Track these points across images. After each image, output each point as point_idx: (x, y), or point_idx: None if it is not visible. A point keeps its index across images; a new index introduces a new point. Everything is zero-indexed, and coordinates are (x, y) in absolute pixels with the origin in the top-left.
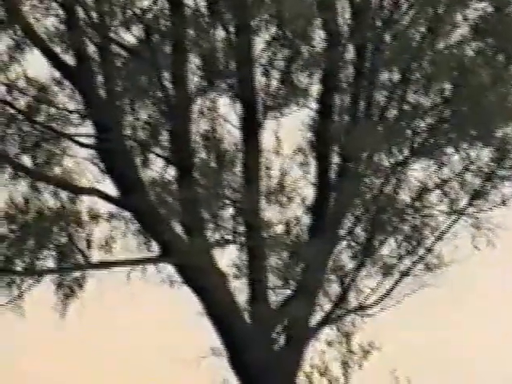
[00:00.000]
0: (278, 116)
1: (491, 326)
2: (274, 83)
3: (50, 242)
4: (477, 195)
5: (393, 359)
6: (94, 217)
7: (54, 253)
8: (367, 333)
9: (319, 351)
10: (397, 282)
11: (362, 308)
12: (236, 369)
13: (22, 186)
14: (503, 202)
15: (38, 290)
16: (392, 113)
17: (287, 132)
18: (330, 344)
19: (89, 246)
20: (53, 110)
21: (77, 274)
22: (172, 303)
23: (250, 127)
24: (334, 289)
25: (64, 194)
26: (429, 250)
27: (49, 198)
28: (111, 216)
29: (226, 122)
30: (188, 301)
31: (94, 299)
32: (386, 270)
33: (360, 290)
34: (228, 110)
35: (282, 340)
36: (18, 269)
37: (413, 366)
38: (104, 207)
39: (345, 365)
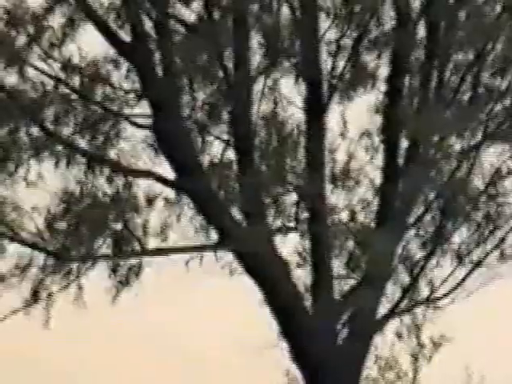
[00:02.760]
0: (345, 98)
1: None
2: (341, 64)
3: (106, 229)
4: None
5: (465, 354)
6: (151, 202)
7: (109, 240)
8: (439, 325)
9: (388, 343)
10: (469, 273)
11: (432, 299)
12: (298, 361)
13: (77, 170)
14: None
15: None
16: (465, 95)
17: (354, 115)
18: (399, 336)
19: (145, 232)
20: (108, 90)
21: (132, 261)
22: (234, 292)
23: (315, 109)
24: (403, 279)
25: (119, 179)
26: (503, 240)
27: (104, 183)
28: (168, 201)
29: (289, 103)
30: (250, 290)
31: (151, 288)
32: (458, 260)
33: (430, 281)
34: (291, 91)
35: (346, 332)
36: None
37: (487, 362)
38: (161, 192)
39: (414, 358)
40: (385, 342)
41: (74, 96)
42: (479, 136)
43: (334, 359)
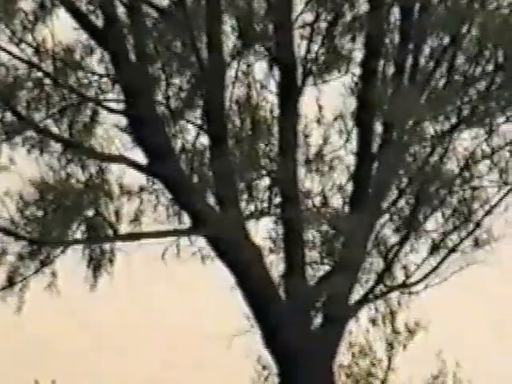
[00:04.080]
0: (319, 82)
1: None
2: (315, 47)
3: (79, 214)
4: None
5: (439, 340)
6: (124, 188)
7: (83, 226)
8: (413, 312)
9: (362, 330)
10: (443, 259)
11: (405, 285)
12: (271, 347)
13: (50, 156)
14: None
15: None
16: (439, 79)
17: (328, 99)
18: (373, 323)
19: (118, 218)
20: (81, 74)
21: (106, 246)
22: (203, 277)
23: (289, 93)
24: (376, 264)
25: (92, 165)
26: (478, 225)
27: (77, 169)
28: (141, 187)
29: (262, 87)
30: (221, 275)
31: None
32: (432, 246)
33: (404, 267)
34: (265, 76)
35: (319, 318)
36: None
37: (461, 349)
38: (134, 178)
39: (389, 345)
40: (359, 329)
41: (47, 81)
42: (453, 120)
43: (307, 345)
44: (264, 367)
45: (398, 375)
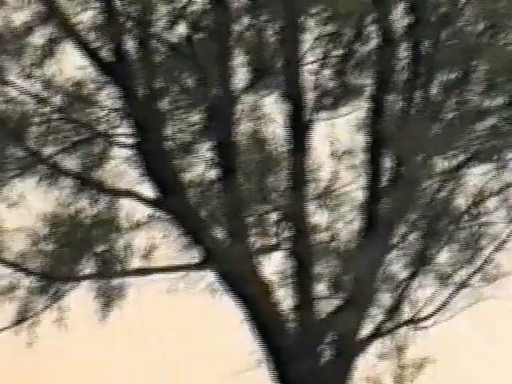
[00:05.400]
0: (328, 117)
1: None
2: (325, 82)
3: (89, 249)
4: None
5: (449, 375)
6: (134, 223)
7: (92, 261)
8: (421, 346)
9: (370, 365)
10: (453, 294)
11: (415, 321)
12: (279, 382)
13: (60, 191)
14: None
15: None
16: (449, 114)
17: (337, 133)
18: (381, 357)
19: (128, 253)
20: (90, 109)
21: (116, 281)
22: (213, 312)
23: (298, 128)
24: (386, 300)
25: (102, 199)
26: (487, 260)
27: (87, 204)
28: (151, 221)
29: (271, 122)
30: (230, 310)
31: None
32: (442, 281)
33: (413, 302)
34: (274, 110)
35: (329, 353)
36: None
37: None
38: (144, 212)
39: (397, 379)
40: (367, 364)
41: (56, 115)
42: (462, 156)
43: (316, 381)
44: None
45: None
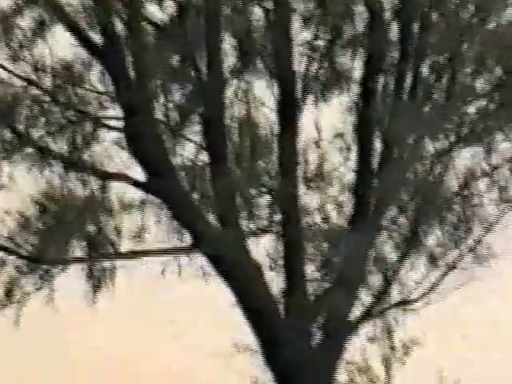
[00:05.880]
0: (319, 99)
1: None
2: (315, 65)
3: (80, 231)
4: None
5: (439, 357)
6: (124, 205)
7: (83, 243)
8: (411, 328)
9: (360, 347)
10: (443, 276)
11: (405, 302)
12: (270, 365)
13: (50, 173)
14: None
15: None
16: (439, 97)
17: (328, 116)
18: (371, 340)
19: (119, 235)
20: (80, 92)
21: (106, 264)
22: (204, 295)
23: (288, 111)
24: (376, 281)
25: (93, 182)
26: (477, 242)
27: (77, 186)
28: (142, 204)
29: (261, 105)
30: (221, 293)
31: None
32: (432, 263)
33: (403, 284)
34: (264, 93)
35: (319, 335)
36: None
37: (461, 366)
38: (134, 195)
39: (386, 362)
40: (357, 346)
41: (45, 98)
42: (452, 138)
43: (307, 362)
44: None
45: None
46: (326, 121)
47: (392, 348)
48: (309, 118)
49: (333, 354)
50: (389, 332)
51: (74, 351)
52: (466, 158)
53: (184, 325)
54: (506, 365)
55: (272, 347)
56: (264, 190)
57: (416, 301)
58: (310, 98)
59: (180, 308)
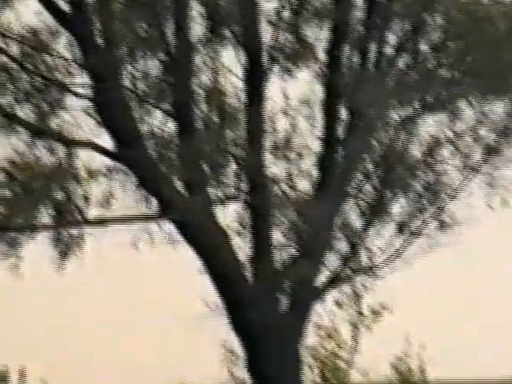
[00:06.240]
0: (285, 69)
1: (505, 284)
2: (281, 34)
3: (47, 199)
4: (491, 151)
5: (405, 323)
6: (92, 173)
7: (50, 210)
8: (379, 294)
9: (328, 312)
10: (407, 242)
11: (370, 268)
12: (237, 329)
13: (16, 140)
14: None
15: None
16: (404, 66)
17: (294, 85)
18: (339, 305)
19: (86, 202)
20: (48, 59)
21: (74, 231)
22: (172, 261)
23: (255, 79)
24: (342, 248)
25: (60, 149)
26: (441, 209)
27: (44, 154)
28: (109, 172)
29: (229, 73)
30: (188, 259)
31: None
32: (397, 229)
33: (369, 250)
34: (232, 62)
35: (286, 301)
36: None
37: (427, 332)
38: (102, 162)
39: (354, 327)
40: (325, 311)
41: (13, 65)
42: (417, 106)
43: (274, 327)
44: (230, 351)
45: (363, 357)
46: (293, 90)
47: (360, 313)
48: (276, 87)
49: (300, 318)
50: (356, 297)
51: (43, 317)
52: (430, 125)
53: (153, 289)
54: (471, 329)
55: (239, 311)
56: (231, 158)
57: (381, 267)
58: (277, 68)
59: (149, 273)
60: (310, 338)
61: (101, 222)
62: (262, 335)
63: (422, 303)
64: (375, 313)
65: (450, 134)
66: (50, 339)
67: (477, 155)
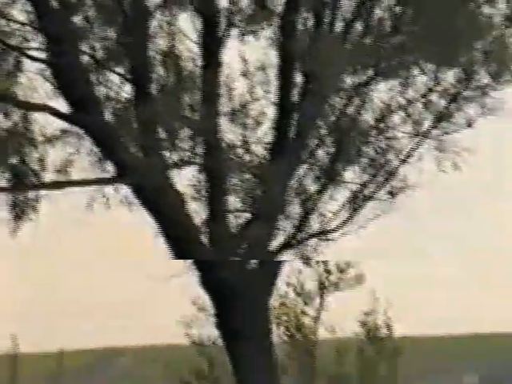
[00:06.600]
0: (241, 33)
1: (455, 248)
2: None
3: (3, 162)
4: (442, 117)
5: (372, 279)
6: (48, 137)
7: (6, 174)
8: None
9: (295, 271)
10: (359, 207)
11: (324, 232)
12: (205, 288)
13: None
14: (468, 124)
15: None
16: (357, 30)
17: (249, 50)
18: (306, 264)
19: (42, 166)
20: (3, 22)
21: (30, 194)
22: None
23: (211, 44)
24: (296, 212)
25: (16, 113)
26: (392, 174)
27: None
28: (65, 135)
29: (185, 38)
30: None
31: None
32: (349, 194)
33: (322, 214)
34: (188, 26)
35: (252, 261)
36: None
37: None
38: (58, 127)
39: (321, 284)
40: (292, 270)
41: None
42: (370, 72)
43: (243, 285)
44: (201, 308)
45: (330, 314)
46: (249, 54)
47: (327, 272)
48: (232, 51)
49: (267, 277)
50: (308, 260)
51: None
52: (382, 91)
53: (116, 250)
54: (432, 285)
55: (203, 271)
56: (187, 122)
57: (334, 231)
58: (234, 32)
59: (112, 235)
60: (278, 296)
61: (57, 185)
62: (230, 293)
63: (387, 262)
64: (343, 270)
65: (401, 100)
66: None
67: (427, 121)
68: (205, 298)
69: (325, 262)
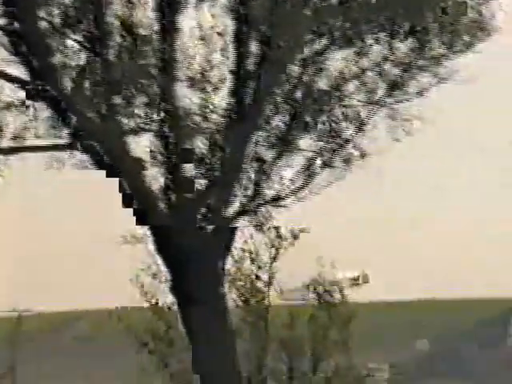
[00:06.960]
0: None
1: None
2: None
3: None
4: (395, 86)
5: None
6: (4, 103)
7: None
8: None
9: (248, 236)
10: (315, 174)
11: (279, 199)
12: (161, 253)
13: None
14: (421, 93)
15: None
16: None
17: (208, 17)
18: (258, 229)
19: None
20: None
21: None
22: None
23: (168, 10)
24: (252, 179)
25: None
26: (347, 141)
27: None
28: (22, 102)
29: (143, 4)
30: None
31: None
32: (304, 161)
33: (278, 181)
34: None
35: (207, 226)
36: None
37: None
38: (14, 93)
39: (273, 248)
40: (245, 235)
41: None
42: (325, 41)
43: (197, 250)
44: (155, 274)
45: (282, 278)
46: (207, 22)
47: (279, 237)
48: (190, 18)
49: (221, 242)
50: (263, 225)
51: None
52: (338, 60)
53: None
54: (379, 247)
55: (160, 237)
56: (144, 88)
57: (289, 197)
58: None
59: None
60: (232, 260)
61: (13, 150)
62: (185, 258)
63: (336, 225)
64: (293, 235)
65: (356, 69)
66: None
67: (381, 89)
68: (159, 263)
69: (277, 228)
